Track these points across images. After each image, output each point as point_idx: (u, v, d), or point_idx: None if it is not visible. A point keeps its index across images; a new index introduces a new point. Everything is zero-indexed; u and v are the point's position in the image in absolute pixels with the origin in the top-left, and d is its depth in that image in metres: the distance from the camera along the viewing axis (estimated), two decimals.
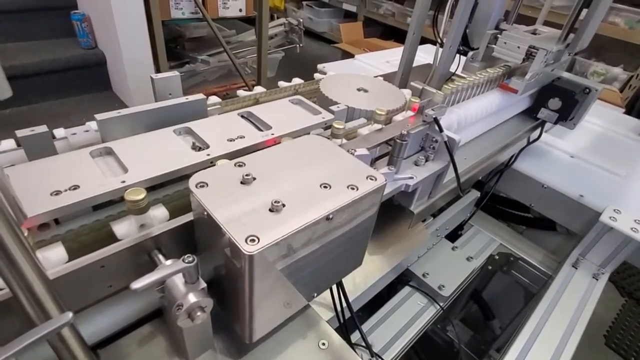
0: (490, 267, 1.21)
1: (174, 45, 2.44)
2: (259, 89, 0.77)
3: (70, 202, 0.39)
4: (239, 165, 0.44)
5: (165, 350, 0.47)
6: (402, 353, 0.87)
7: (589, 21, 0.95)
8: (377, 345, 0.86)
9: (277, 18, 2.87)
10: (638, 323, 1.71)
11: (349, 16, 4.58)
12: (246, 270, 0.35)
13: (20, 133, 0.47)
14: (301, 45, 2.76)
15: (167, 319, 0.46)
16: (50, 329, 0.29)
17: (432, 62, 1.26)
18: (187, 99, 0.61)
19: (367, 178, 0.46)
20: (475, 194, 1.13)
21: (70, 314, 0.30)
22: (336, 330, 0.66)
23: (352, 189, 0.44)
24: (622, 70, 2.92)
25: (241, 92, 0.75)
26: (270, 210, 0.38)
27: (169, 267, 0.36)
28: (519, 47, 0.93)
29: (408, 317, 0.93)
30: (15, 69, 1.85)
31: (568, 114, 1.09)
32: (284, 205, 0.39)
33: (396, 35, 4.24)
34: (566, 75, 1.12)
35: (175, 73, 0.68)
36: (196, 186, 0.39)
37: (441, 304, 0.96)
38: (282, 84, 0.82)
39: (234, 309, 0.42)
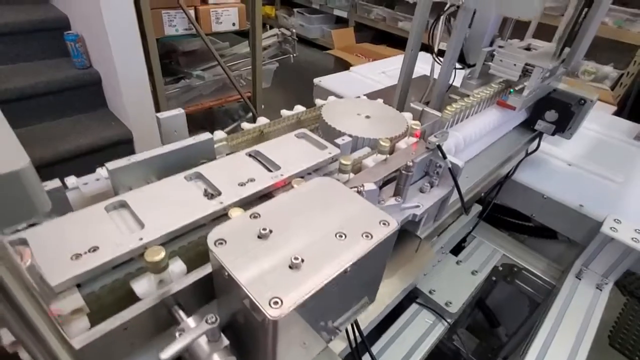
0: (494, 278, 1.23)
1: (168, 60, 2.44)
2: (262, 120, 0.78)
3: (92, 267, 0.39)
4: (254, 217, 0.45)
5: None
6: None
7: (583, 37, 0.97)
8: None
9: (269, 27, 2.88)
10: None
11: (340, 22, 4.60)
12: (270, 331, 0.36)
13: None
14: (295, 55, 2.77)
15: None
16: None
17: (428, 74, 1.28)
18: (194, 139, 0.61)
19: (380, 223, 0.46)
20: (477, 208, 1.14)
21: None
22: (348, 357, 0.67)
23: (367, 236, 0.44)
24: (612, 68, 2.96)
25: (245, 125, 0.76)
26: (290, 267, 0.39)
27: (193, 331, 0.36)
28: (515, 64, 0.95)
29: (417, 335, 0.94)
30: (9, 92, 1.84)
31: (565, 125, 1.11)
32: (302, 261, 0.39)
33: (388, 39, 4.26)
34: (562, 86, 1.14)
35: (180, 111, 0.69)
36: (215, 244, 0.40)
37: (449, 321, 0.97)
38: (284, 112, 0.83)
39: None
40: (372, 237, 0.44)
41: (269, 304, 0.35)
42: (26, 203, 0.21)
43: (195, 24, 2.04)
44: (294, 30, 2.68)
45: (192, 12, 2.07)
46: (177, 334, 0.39)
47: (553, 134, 1.14)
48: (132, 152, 2.27)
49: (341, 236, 0.44)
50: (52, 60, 2.09)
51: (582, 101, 1.09)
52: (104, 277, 0.43)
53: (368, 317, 0.72)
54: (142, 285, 0.42)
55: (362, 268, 0.45)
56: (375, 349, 0.89)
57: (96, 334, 0.37)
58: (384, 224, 0.46)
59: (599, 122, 1.54)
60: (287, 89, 3.73)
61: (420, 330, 0.95)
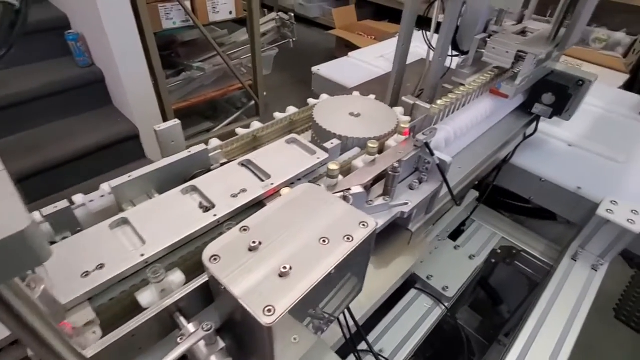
0: (493, 260, 1.26)
1: (168, 52, 2.45)
2: (256, 125, 0.80)
3: (99, 283, 0.44)
4: (244, 230, 0.48)
5: None
6: (411, 355, 0.93)
7: (579, 17, 0.95)
8: (387, 350, 0.92)
9: (267, 11, 2.83)
10: None
11: None
12: (266, 336, 0.40)
13: (45, 211, 0.52)
14: (294, 39, 2.74)
15: None
16: None
17: (424, 57, 1.27)
18: (189, 152, 0.65)
19: (359, 225, 0.50)
20: (474, 194, 1.16)
21: None
22: (344, 346, 0.72)
23: (348, 239, 0.48)
24: (624, 34, 2.84)
25: (240, 130, 0.78)
26: (280, 275, 0.43)
27: (191, 338, 0.41)
28: (507, 52, 0.94)
29: (415, 319, 0.99)
30: (15, 96, 1.88)
31: (562, 107, 1.10)
32: (291, 269, 0.43)
33: (390, 15, 4.15)
34: (559, 67, 1.12)
35: (176, 122, 0.72)
36: (210, 260, 0.44)
37: (446, 304, 1.01)
38: (277, 115, 0.85)
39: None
40: (352, 239, 0.47)
41: (263, 313, 0.39)
42: (32, 256, 0.25)
43: (192, 16, 2.03)
44: (292, 14, 2.64)
45: (188, 3, 2.06)
46: (178, 339, 0.44)
47: (550, 117, 1.13)
48: (139, 148, 2.31)
49: (324, 241, 0.47)
50: (55, 60, 2.12)
51: (580, 82, 1.08)
52: (112, 290, 0.47)
53: (362, 308, 0.76)
54: (146, 296, 0.47)
55: (346, 267, 0.49)
56: (374, 334, 0.95)
57: (107, 342, 0.42)
58: (363, 225, 0.49)
59: (604, 98, 1.51)
60: (288, 73, 3.70)
61: (418, 314, 1.00)
